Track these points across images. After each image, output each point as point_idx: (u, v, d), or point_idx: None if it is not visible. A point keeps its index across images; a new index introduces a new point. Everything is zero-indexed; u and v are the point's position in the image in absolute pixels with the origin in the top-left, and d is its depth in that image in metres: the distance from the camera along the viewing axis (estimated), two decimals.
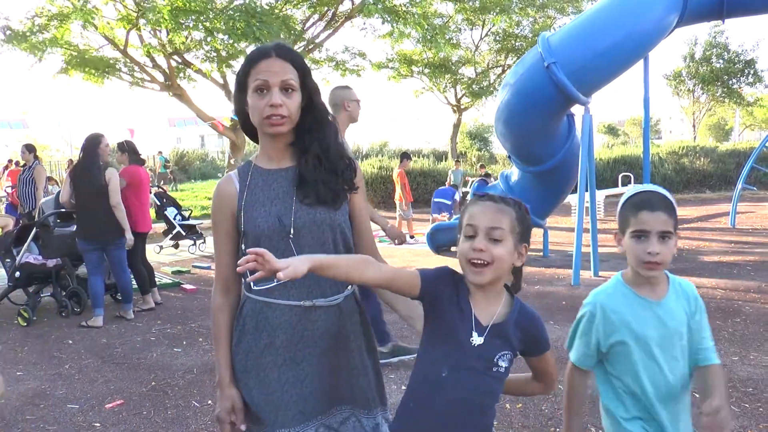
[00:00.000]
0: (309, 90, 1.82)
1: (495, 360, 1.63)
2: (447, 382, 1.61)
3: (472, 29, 22.14)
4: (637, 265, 1.82)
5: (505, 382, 1.72)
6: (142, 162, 7.25)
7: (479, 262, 1.59)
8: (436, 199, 12.59)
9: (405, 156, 12.34)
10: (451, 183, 15.65)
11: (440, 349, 1.65)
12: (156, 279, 7.25)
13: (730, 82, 30.98)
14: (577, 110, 7.76)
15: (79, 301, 6.63)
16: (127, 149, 6.87)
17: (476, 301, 1.65)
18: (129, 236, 6.20)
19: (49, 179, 12.35)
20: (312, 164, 1.82)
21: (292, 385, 1.78)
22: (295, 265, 1.44)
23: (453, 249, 9.91)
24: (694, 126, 36.09)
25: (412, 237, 11.56)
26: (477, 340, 1.62)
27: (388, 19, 14.28)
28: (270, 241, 1.78)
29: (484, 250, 1.59)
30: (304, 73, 1.81)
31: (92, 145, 6.13)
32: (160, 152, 27.92)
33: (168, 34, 13.27)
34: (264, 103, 1.74)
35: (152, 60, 14.42)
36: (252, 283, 1.79)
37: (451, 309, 1.64)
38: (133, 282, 6.81)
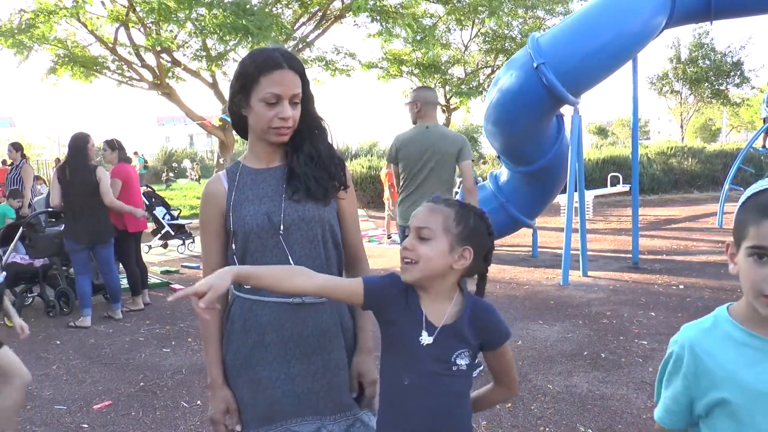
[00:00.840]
0: (306, 97, 1.83)
1: (452, 359, 1.58)
2: (410, 390, 1.59)
3: (461, 30, 22.17)
4: (754, 296, 1.24)
5: (470, 401, 1.69)
6: (129, 160, 7.23)
7: (407, 260, 1.58)
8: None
9: None
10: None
11: (397, 356, 1.63)
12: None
13: (718, 83, 31.23)
14: (566, 111, 7.79)
15: (67, 301, 6.58)
16: (117, 147, 6.83)
17: (426, 303, 1.61)
18: (140, 212, 6.58)
19: (37, 178, 12.24)
20: (304, 161, 1.83)
21: (283, 381, 1.78)
22: (215, 286, 1.45)
23: None
24: (681, 127, 36.32)
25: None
26: (426, 339, 1.57)
27: (377, 18, 14.28)
28: (259, 238, 1.79)
29: (410, 249, 1.57)
30: (305, 83, 1.82)
31: (80, 144, 6.07)
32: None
33: (157, 26, 13.20)
34: (273, 114, 1.75)
35: (141, 58, 14.35)
36: None
37: (401, 314, 1.61)
38: (124, 282, 6.79)
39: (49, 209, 6.64)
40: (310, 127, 1.86)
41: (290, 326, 1.78)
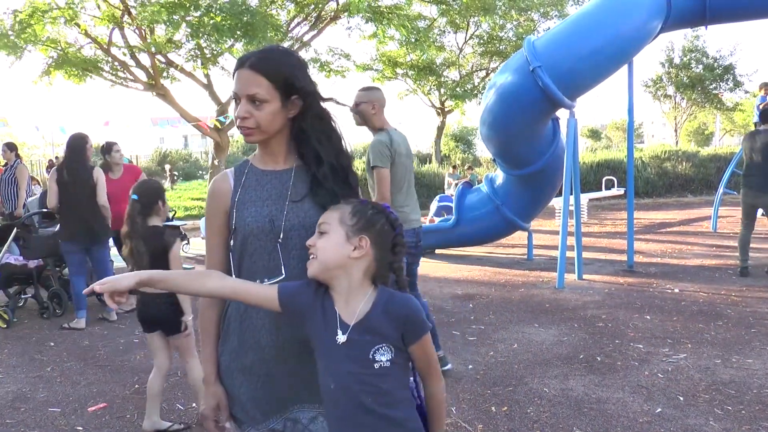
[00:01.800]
0: (302, 97, 1.78)
1: (371, 356, 1.58)
2: (336, 394, 1.61)
3: (456, 32, 22.22)
4: None
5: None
6: None
7: (310, 256, 1.65)
8: (440, 203, 12.25)
9: None
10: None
11: (321, 361, 1.66)
12: None
13: (711, 87, 31.37)
14: (562, 114, 7.80)
15: (60, 302, 6.55)
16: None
17: (339, 304, 1.64)
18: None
19: (31, 179, 12.16)
20: (329, 174, 1.82)
21: (279, 382, 1.79)
22: (115, 283, 1.57)
23: (437, 251, 9.93)
24: (675, 131, 36.46)
25: None
26: (341, 338, 1.60)
27: (372, 18, 14.29)
28: (258, 240, 1.78)
29: (311, 244, 1.65)
30: (285, 82, 1.74)
31: (79, 144, 6.06)
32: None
33: (153, 32, 13.17)
34: (236, 113, 1.77)
35: (135, 59, 14.32)
36: None
37: (318, 318, 1.65)
38: None
39: (44, 210, 6.60)
40: (314, 126, 1.82)
41: (285, 329, 1.78)
